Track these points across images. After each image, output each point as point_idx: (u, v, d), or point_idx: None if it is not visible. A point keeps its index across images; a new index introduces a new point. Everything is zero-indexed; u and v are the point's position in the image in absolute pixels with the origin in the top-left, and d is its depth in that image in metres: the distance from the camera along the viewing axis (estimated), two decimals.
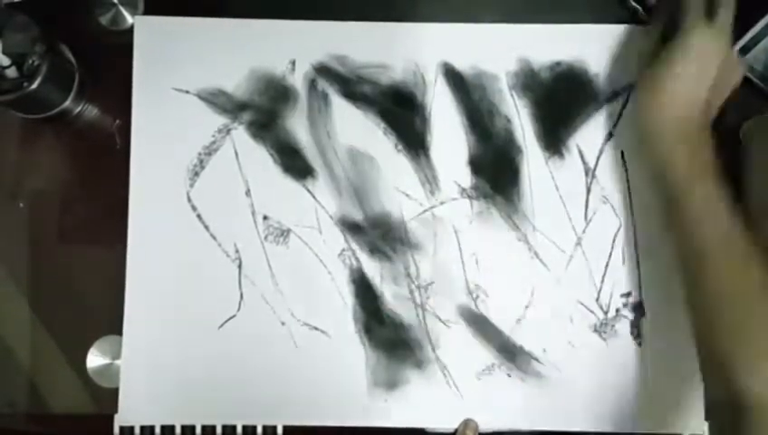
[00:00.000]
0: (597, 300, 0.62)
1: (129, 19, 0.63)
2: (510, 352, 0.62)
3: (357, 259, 0.62)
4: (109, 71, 0.63)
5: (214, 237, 0.62)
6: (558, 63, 0.63)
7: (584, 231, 0.62)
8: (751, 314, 0.51)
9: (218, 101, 0.63)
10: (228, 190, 0.62)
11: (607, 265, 0.62)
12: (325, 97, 0.63)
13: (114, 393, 0.61)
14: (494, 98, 0.63)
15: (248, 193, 0.62)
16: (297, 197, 0.62)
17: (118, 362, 0.61)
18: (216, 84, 0.63)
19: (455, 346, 0.61)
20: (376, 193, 0.62)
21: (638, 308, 0.62)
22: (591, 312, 0.62)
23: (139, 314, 0.61)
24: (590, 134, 0.63)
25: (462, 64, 0.63)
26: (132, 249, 0.61)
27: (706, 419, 0.60)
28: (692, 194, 0.53)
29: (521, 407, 0.61)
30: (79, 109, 0.63)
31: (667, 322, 0.61)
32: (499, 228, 0.62)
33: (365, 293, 0.62)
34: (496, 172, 0.63)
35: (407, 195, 0.63)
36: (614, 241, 0.62)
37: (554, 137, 0.63)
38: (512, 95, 0.63)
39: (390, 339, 0.62)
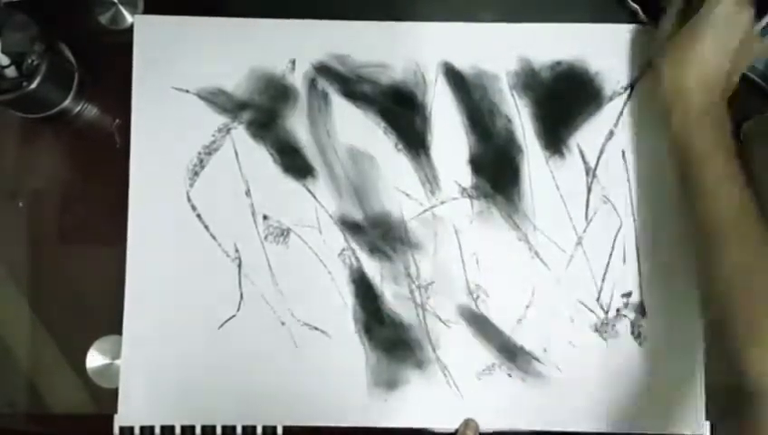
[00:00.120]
0: (597, 300, 0.62)
1: (129, 18, 0.63)
2: (510, 352, 0.61)
3: (357, 259, 0.62)
4: (108, 70, 0.63)
5: (214, 237, 0.62)
6: (558, 63, 0.63)
7: (585, 231, 0.62)
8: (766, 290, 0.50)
9: (218, 100, 0.63)
10: (228, 190, 0.62)
11: (607, 265, 0.62)
12: (325, 96, 0.63)
13: (114, 393, 0.61)
14: (494, 97, 0.63)
15: (248, 193, 0.62)
16: (297, 196, 0.62)
17: (118, 362, 0.61)
18: (216, 84, 0.63)
19: (455, 346, 0.61)
20: (376, 193, 0.62)
21: (639, 308, 0.62)
22: (592, 311, 0.62)
23: (139, 314, 0.61)
24: (591, 133, 0.63)
25: (462, 64, 0.63)
26: (132, 249, 0.61)
27: (708, 402, 0.60)
28: (709, 166, 0.54)
29: (521, 407, 0.61)
30: (78, 108, 0.63)
31: (667, 322, 0.61)
32: (499, 228, 0.62)
33: (365, 293, 0.62)
34: (497, 172, 0.63)
35: (407, 194, 0.62)
36: (615, 241, 0.62)
37: (555, 136, 0.63)
38: (512, 95, 0.63)
39: (390, 339, 0.61)
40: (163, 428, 0.61)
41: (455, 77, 0.63)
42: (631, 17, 0.63)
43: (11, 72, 0.56)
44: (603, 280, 0.62)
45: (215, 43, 0.63)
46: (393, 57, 0.63)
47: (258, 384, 0.61)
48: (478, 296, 0.62)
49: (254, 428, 0.61)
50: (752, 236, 0.52)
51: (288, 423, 0.61)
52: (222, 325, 0.61)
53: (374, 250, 0.62)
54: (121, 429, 0.61)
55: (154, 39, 0.63)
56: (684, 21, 0.57)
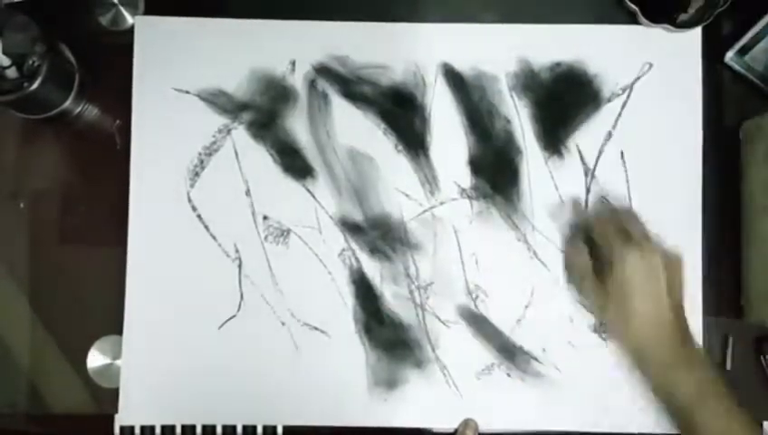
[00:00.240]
0: None
1: (130, 19, 0.63)
2: (510, 352, 0.62)
3: (357, 259, 0.62)
4: (109, 71, 0.64)
5: (214, 237, 0.62)
6: (558, 64, 0.63)
7: None
8: None
9: (219, 101, 0.63)
10: (228, 190, 0.62)
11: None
12: (325, 97, 0.63)
13: (114, 393, 0.61)
14: (493, 98, 0.63)
15: (248, 193, 0.62)
16: (297, 197, 0.62)
17: (118, 362, 0.61)
18: (217, 85, 0.63)
19: (454, 346, 0.62)
20: (376, 193, 0.63)
21: None
22: (591, 312, 0.62)
23: (139, 314, 0.61)
24: (590, 134, 0.63)
25: (462, 65, 0.63)
26: (132, 249, 0.62)
27: None
28: (698, 411, 0.53)
29: (520, 407, 0.61)
30: (79, 109, 0.63)
31: None
32: (499, 228, 0.62)
33: (365, 293, 0.62)
34: (496, 172, 0.63)
35: (406, 195, 0.63)
36: None
37: (554, 137, 0.63)
38: (511, 96, 0.63)
39: (390, 339, 0.62)
40: (163, 428, 0.61)
41: (454, 78, 0.63)
42: (630, 18, 0.63)
43: (12, 72, 0.56)
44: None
45: (215, 44, 0.63)
46: (393, 58, 0.63)
47: (258, 384, 0.61)
48: (477, 296, 0.62)
49: (254, 428, 0.61)
50: None
51: (288, 423, 0.61)
52: (222, 325, 0.62)
53: (374, 250, 0.62)
54: (122, 428, 0.61)
55: (154, 40, 0.63)
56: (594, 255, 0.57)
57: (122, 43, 0.63)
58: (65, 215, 0.63)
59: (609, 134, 0.63)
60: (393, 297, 0.62)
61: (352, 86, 0.63)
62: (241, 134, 0.63)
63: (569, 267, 0.61)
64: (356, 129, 0.63)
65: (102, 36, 0.64)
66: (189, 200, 0.62)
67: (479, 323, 0.62)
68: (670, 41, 0.63)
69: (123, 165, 0.62)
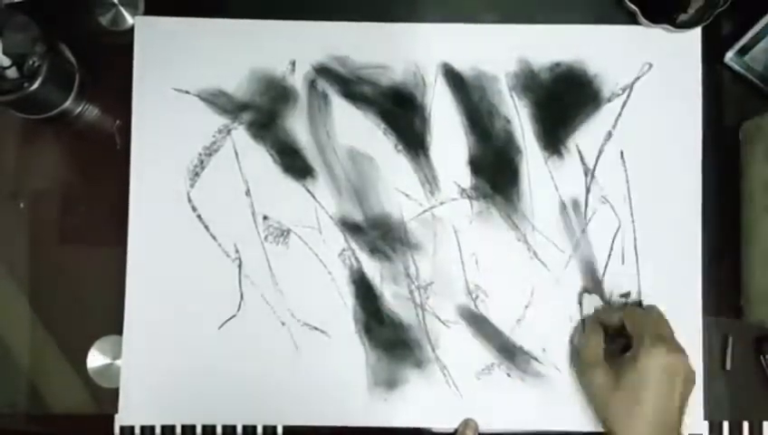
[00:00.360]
0: None
1: (130, 19, 0.63)
2: (509, 352, 0.62)
3: (357, 259, 0.62)
4: (109, 71, 0.64)
5: (214, 237, 0.62)
6: (558, 64, 0.63)
7: (584, 231, 0.63)
8: None
9: (219, 101, 0.63)
10: (228, 190, 0.62)
11: (606, 266, 0.62)
12: (325, 97, 0.63)
13: (114, 393, 0.61)
14: (493, 98, 0.63)
15: (248, 193, 0.62)
16: (297, 197, 0.62)
17: (118, 362, 0.61)
18: (217, 85, 0.63)
19: (454, 346, 0.62)
20: (376, 193, 0.63)
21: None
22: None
23: (139, 314, 0.61)
24: (590, 134, 0.63)
25: (462, 65, 0.63)
26: (132, 249, 0.62)
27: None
28: None
29: (520, 406, 0.61)
30: (79, 109, 0.63)
31: None
32: (499, 228, 0.62)
33: (365, 293, 0.62)
34: (496, 172, 0.63)
35: (406, 195, 0.63)
36: (613, 241, 0.63)
37: (554, 137, 0.63)
38: (511, 96, 0.63)
39: (390, 339, 0.62)
40: (163, 428, 0.61)
41: (454, 78, 0.63)
42: (630, 18, 0.63)
43: (12, 73, 0.56)
44: (602, 280, 0.62)
45: (215, 44, 0.63)
46: (393, 58, 0.63)
47: (258, 384, 0.61)
48: (477, 296, 0.62)
49: (254, 428, 0.61)
50: None
51: (288, 423, 0.61)
52: (222, 325, 0.62)
53: (374, 251, 0.62)
54: (122, 428, 0.61)
55: (155, 40, 0.63)
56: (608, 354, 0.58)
57: (122, 43, 0.63)
58: (65, 215, 0.63)
59: (609, 134, 0.63)
60: (393, 297, 0.62)
61: (352, 86, 0.63)
62: (241, 134, 0.63)
63: (581, 352, 0.60)
64: (356, 129, 0.63)
65: (102, 36, 0.64)
66: (189, 200, 0.62)
67: (479, 323, 0.62)
68: (670, 41, 0.63)
69: (123, 165, 0.62)
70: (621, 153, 0.63)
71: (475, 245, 0.62)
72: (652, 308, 0.59)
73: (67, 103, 0.62)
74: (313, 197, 0.62)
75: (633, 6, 0.62)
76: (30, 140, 0.63)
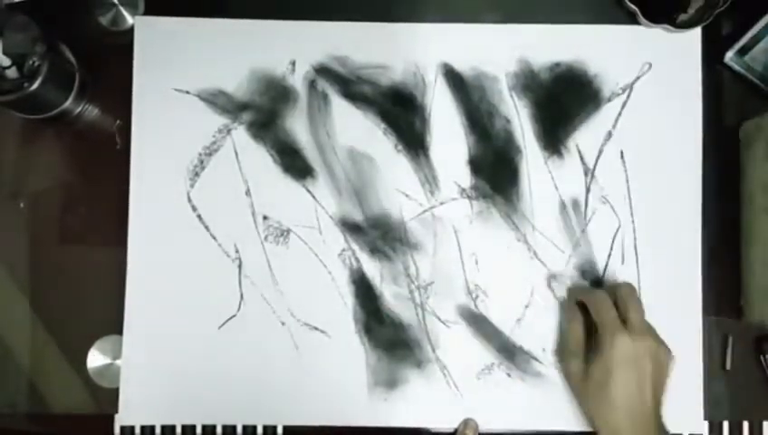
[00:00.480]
0: None
1: (130, 19, 0.63)
2: (509, 352, 0.62)
3: (357, 259, 0.62)
4: (109, 71, 0.64)
5: (214, 237, 0.62)
6: (557, 64, 0.63)
7: (583, 231, 0.63)
8: None
9: (219, 101, 0.63)
10: (228, 190, 0.62)
11: (606, 266, 0.62)
12: (325, 97, 0.63)
13: (114, 393, 0.61)
14: (493, 98, 0.63)
15: (248, 193, 0.62)
16: (297, 197, 0.62)
17: (118, 362, 0.61)
18: (217, 85, 0.63)
19: (454, 346, 0.62)
20: (375, 193, 0.63)
21: None
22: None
23: (139, 314, 0.61)
24: (590, 134, 0.63)
25: (462, 65, 0.63)
26: (132, 249, 0.62)
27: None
28: None
29: (520, 406, 0.61)
30: (79, 109, 0.63)
31: (665, 321, 0.61)
32: (499, 228, 0.62)
33: (365, 293, 0.62)
34: (496, 172, 0.63)
35: (406, 195, 0.63)
36: (613, 241, 0.63)
37: (554, 137, 0.63)
38: (511, 96, 0.63)
39: (390, 339, 0.62)
40: (163, 428, 0.61)
41: (454, 78, 0.63)
42: (630, 18, 0.63)
43: (12, 73, 0.56)
44: (602, 280, 0.62)
45: (215, 44, 0.63)
46: (393, 58, 0.63)
47: (258, 384, 0.61)
48: (477, 296, 0.62)
49: (254, 428, 0.61)
50: None
51: (288, 423, 0.61)
52: (222, 325, 0.62)
53: (374, 250, 0.62)
54: (122, 428, 0.61)
55: (155, 40, 0.63)
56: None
57: (122, 43, 0.63)
58: (65, 215, 0.63)
59: (609, 134, 0.63)
60: (393, 297, 0.62)
61: (352, 86, 0.63)
62: (241, 134, 0.63)
63: (561, 341, 0.61)
64: (356, 129, 0.63)
65: (102, 36, 0.64)
66: (189, 200, 0.62)
67: (479, 323, 0.62)
68: (670, 41, 0.63)
69: (123, 165, 0.62)
70: (621, 153, 0.63)
71: (475, 245, 0.62)
72: (617, 287, 0.58)
73: (67, 103, 0.62)
74: (313, 197, 0.62)
75: (633, 6, 0.62)
76: (30, 140, 0.64)
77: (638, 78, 0.63)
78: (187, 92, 0.63)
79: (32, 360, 0.62)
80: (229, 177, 0.62)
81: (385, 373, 0.61)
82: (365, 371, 0.61)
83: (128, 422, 0.61)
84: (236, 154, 0.63)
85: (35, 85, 0.57)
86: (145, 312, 0.61)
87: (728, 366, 0.63)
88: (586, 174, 0.63)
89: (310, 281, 0.62)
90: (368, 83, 0.63)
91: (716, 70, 0.64)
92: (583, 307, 0.59)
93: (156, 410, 0.61)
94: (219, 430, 0.61)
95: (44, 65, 0.57)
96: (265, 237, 0.62)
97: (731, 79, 0.64)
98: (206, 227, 0.62)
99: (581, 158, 0.63)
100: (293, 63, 0.63)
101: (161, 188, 0.62)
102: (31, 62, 0.56)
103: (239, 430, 0.61)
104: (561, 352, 0.61)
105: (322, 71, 0.63)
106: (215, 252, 0.62)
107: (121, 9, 0.63)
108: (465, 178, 0.63)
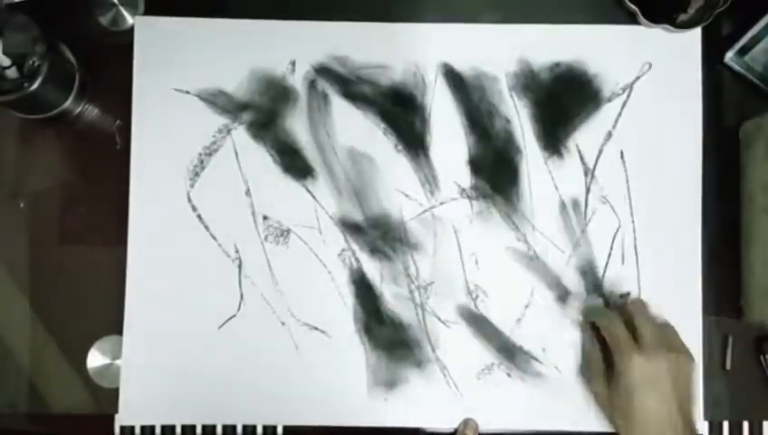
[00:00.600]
0: None
1: (130, 19, 0.63)
2: (509, 352, 0.62)
3: (357, 259, 0.62)
4: (109, 71, 0.64)
5: (214, 237, 0.62)
6: (557, 64, 0.63)
7: (583, 231, 0.63)
8: None
9: (219, 101, 0.63)
10: (228, 190, 0.62)
11: (606, 266, 0.62)
12: (325, 97, 0.63)
13: (114, 393, 0.61)
14: (493, 98, 0.63)
15: (248, 193, 0.62)
16: (297, 197, 0.62)
17: (118, 362, 0.61)
18: (217, 85, 0.63)
19: (454, 346, 0.62)
20: (375, 193, 0.63)
21: None
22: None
23: (139, 314, 0.61)
24: (590, 134, 0.63)
25: (462, 65, 0.63)
26: (132, 249, 0.62)
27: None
28: None
29: (520, 406, 0.61)
30: (79, 109, 0.63)
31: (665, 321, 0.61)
32: (499, 228, 0.62)
33: (365, 293, 0.62)
34: (496, 172, 0.63)
35: (406, 195, 0.63)
36: (613, 241, 0.63)
37: (554, 137, 0.63)
38: (511, 96, 0.63)
39: (390, 339, 0.62)
40: (163, 428, 0.61)
41: (454, 78, 0.63)
42: (630, 18, 0.63)
43: (12, 73, 0.56)
44: (602, 280, 0.62)
45: (215, 44, 0.63)
46: (393, 58, 0.63)
47: (258, 384, 0.61)
48: (477, 296, 0.62)
49: (254, 428, 0.61)
50: None
51: (288, 423, 0.61)
52: (222, 325, 0.62)
53: (374, 251, 0.62)
54: (122, 428, 0.61)
55: (154, 40, 0.63)
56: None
57: (122, 43, 0.63)
58: (65, 215, 0.63)
59: (609, 134, 0.63)
60: (393, 297, 0.62)
61: (352, 86, 0.63)
62: (241, 134, 0.63)
63: (587, 362, 0.60)
64: (356, 129, 0.63)
65: (102, 36, 0.64)
66: (189, 200, 0.62)
67: (479, 323, 0.62)
68: (670, 41, 0.63)
69: (123, 165, 0.62)
70: (621, 153, 0.63)
71: (475, 245, 0.62)
72: (633, 304, 0.58)
73: (67, 103, 0.62)
74: (313, 197, 0.62)
75: (633, 6, 0.62)
76: (30, 139, 0.64)
77: (638, 78, 0.63)
78: (187, 92, 0.63)
79: (32, 360, 0.62)
80: (229, 177, 0.62)
81: (385, 373, 0.61)
82: (365, 371, 0.61)
83: (128, 422, 0.61)
84: (236, 154, 0.63)
85: (35, 85, 0.57)
86: (145, 312, 0.61)
87: (728, 366, 0.63)
88: (586, 174, 0.63)
89: (310, 281, 0.62)
90: (368, 83, 0.63)
91: (716, 70, 0.64)
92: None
93: (156, 410, 0.61)
94: (219, 429, 0.61)
95: (44, 65, 0.57)
96: (265, 237, 0.62)
97: (731, 79, 0.64)
98: (206, 227, 0.62)
99: (581, 158, 0.63)
100: (293, 63, 0.63)
101: (161, 188, 0.62)
102: (31, 62, 0.56)
103: (239, 430, 0.61)
104: (584, 373, 0.60)
105: (322, 71, 0.63)
106: (215, 252, 0.62)
107: (121, 9, 0.63)
108: (465, 178, 0.63)
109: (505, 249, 0.62)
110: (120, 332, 0.61)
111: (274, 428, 0.61)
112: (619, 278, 0.62)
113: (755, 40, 0.62)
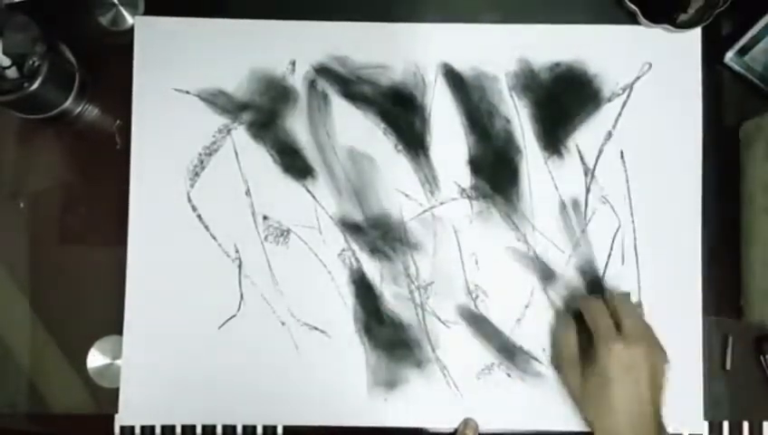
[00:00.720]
0: None
1: (130, 19, 0.63)
2: (509, 352, 0.62)
3: (357, 259, 0.62)
4: (109, 71, 0.64)
5: (214, 237, 0.62)
6: (557, 64, 0.63)
7: (583, 231, 0.63)
8: None
9: (219, 101, 0.63)
10: (228, 190, 0.62)
11: (606, 266, 0.62)
12: (325, 97, 0.63)
13: (114, 393, 0.61)
14: (493, 98, 0.63)
15: (248, 193, 0.62)
16: (297, 197, 0.62)
17: (118, 362, 0.61)
18: (217, 85, 0.63)
19: (454, 346, 0.62)
20: (375, 193, 0.63)
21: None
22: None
23: (139, 314, 0.61)
24: (590, 134, 0.63)
25: (462, 65, 0.63)
26: (133, 249, 0.62)
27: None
28: None
29: (520, 406, 0.61)
30: (79, 109, 0.63)
31: (665, 322, 0.61)
32: (499, 228, 0.62)
33: (365, 293, 0.62)
34: (496, 172, 0.63)
35: (406, 195, 0.63)
36: (613, 241, 0.63)
37: (554, 137, 0.63)
38: (511, 96, 0.63)
39: (390, 339, 0.62)
40: (163, 428, 0.61)
41: (454, 78, 0.63)
42: (630, 18, 0.63)
43: (12, 73, 0.56)
44: (602, 280, 0.62)
45: (215, 44, 0.63)
46: (393, 58, 0.63)
47: (258, 384, 0.61)
48: (477, 296, 0.62)
49: (254, 428, 0.61)
50: None
51: (288, 423, 0.61)
52: (222, 325, 0.62)
53: (374, 251, 0.62)
54: (122, 428, 0.61)
55: (154, 40, 0.63)
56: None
57: (122, 43, 0.63)
58: (65, 215, 0.63)
59: (609, 134, 0.63)
60: (393, 297, 0.62)
61: (352, 86, 0.63)
62: (241, 134, 0.63)
63: (557, 351, 0.60)
64: (356, 129, 0.63)
65: (102, 36, 0.64)
66: (189, 200, 0.62)
67: (479, 323, 0.62)
68: (670, 41, 0.63)
69: (123, 165, 0.62)
70: (621, 153, 0.63)
71: (475, 245, 0.62)
72: (618, 296, 0.58)
73: (67, 103, 0.62)
74: (313, 197, 0.62)
75: (633, 6, 0.62)
76: (30, 139, 0.64)
77: (638, 78, 0.63)
78: (187, 92, 0.63)
79: (32, 360, 0.62)
80: (229, 177, 0.62)
81: (385, 373, 0.61)
82: (365, 371, 0.61)
83: (128, 422, 0.61)
84: (236, 154, 0.63)
85: (35, 85, 0.57)
86: (145, 312, 0.61)
87: (728, 366, 0.63)
88: (586, 174, 0.63)
89: (310, 281, 0.62)
90: (368, 83, 0.63)
91: (716, 70, 0.64)
92: (579, 316, 0.59)
93: (156, 410, 0.61)
94: (219, 430, 0.61)
95: (44, 65, 0.57)
96: (265, 237, 0.62)
97: (731, 79, 0.64)
98: (206, 227, 0.62)
99: (581, 158, 0.63)
100: (293, 63, 0.63)
101: (161, 188, 0.62)
102: (31, 62, 0.56)
103: (239, 430, 0.61)
104: (557, 361, 0.61)
105: (322, 71, 0.63)
106: (215, 252, 0.62)
107: (121, 9, 0.63)
108: (465, 178, 0.63)
109: (505, 249, 0.62)
110: (120, 332, 0.61)
111: (274, 428, 0.61)
112: (619, 278, 0.62)
113: (755, 40, 0.62)
